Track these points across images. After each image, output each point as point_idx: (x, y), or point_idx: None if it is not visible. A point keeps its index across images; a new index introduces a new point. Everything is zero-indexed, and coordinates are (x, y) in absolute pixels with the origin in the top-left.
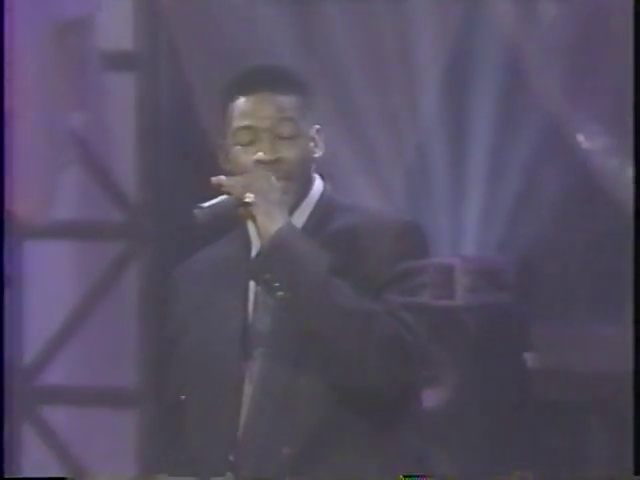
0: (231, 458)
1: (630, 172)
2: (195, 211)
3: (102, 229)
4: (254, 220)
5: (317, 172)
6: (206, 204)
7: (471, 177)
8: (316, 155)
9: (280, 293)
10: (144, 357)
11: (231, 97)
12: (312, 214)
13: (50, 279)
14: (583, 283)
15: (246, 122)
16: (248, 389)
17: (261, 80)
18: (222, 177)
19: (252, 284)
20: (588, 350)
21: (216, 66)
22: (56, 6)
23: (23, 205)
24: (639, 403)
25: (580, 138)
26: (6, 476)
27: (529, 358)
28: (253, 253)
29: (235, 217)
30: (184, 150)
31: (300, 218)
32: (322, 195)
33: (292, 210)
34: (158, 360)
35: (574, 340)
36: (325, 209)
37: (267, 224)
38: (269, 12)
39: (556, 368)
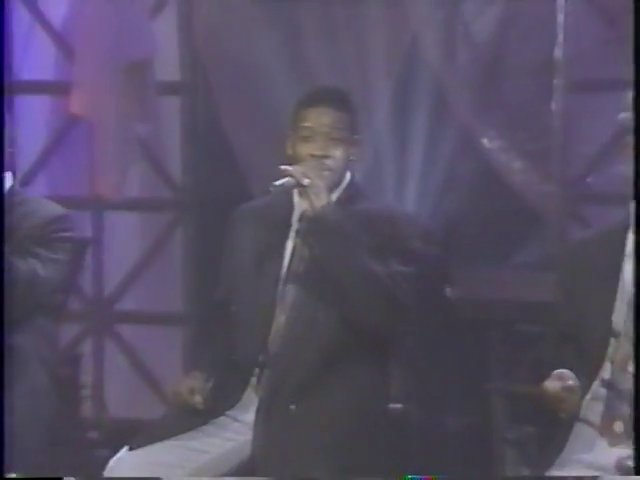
0: (261, 359)
1: (517, 164)
2: (270, 187)
3: (157, 204)
4: (306, 197)
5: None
6: (277, 182)
7: (410, 166)
8: (352, 158)
9: (317, 251)
10: (186, 288)
11: (303, 106)
12: (340, 197)
13: (122, 239)
14: (488, 240)
15: (308, 124)
16: (280, 313)
17: (325, 97)
18: (288, 167)
19: (291, 237)
20: (492, 284)
21: (238, 92)
22: (127, 51)
23: (104, 188)
24: (639, 402)
25: (484, 141)
26: (6, 475)
27: (449, 291)
28: (295, 215)
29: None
30: (215, 149)
31: (333, 197)
32: (349, 184)
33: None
34: (205, 285)
35: (482, 278)
36: (350, 194)
37: (316, 202)
38: (276, 42)
39: (468, 297)
